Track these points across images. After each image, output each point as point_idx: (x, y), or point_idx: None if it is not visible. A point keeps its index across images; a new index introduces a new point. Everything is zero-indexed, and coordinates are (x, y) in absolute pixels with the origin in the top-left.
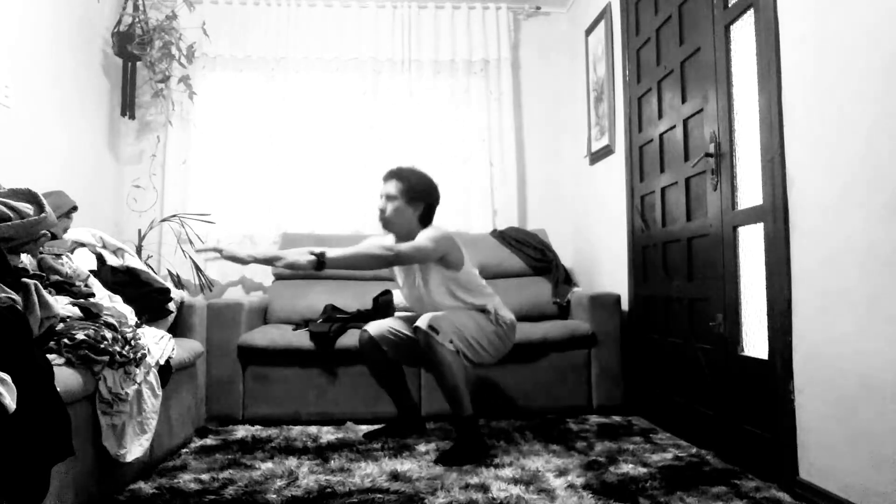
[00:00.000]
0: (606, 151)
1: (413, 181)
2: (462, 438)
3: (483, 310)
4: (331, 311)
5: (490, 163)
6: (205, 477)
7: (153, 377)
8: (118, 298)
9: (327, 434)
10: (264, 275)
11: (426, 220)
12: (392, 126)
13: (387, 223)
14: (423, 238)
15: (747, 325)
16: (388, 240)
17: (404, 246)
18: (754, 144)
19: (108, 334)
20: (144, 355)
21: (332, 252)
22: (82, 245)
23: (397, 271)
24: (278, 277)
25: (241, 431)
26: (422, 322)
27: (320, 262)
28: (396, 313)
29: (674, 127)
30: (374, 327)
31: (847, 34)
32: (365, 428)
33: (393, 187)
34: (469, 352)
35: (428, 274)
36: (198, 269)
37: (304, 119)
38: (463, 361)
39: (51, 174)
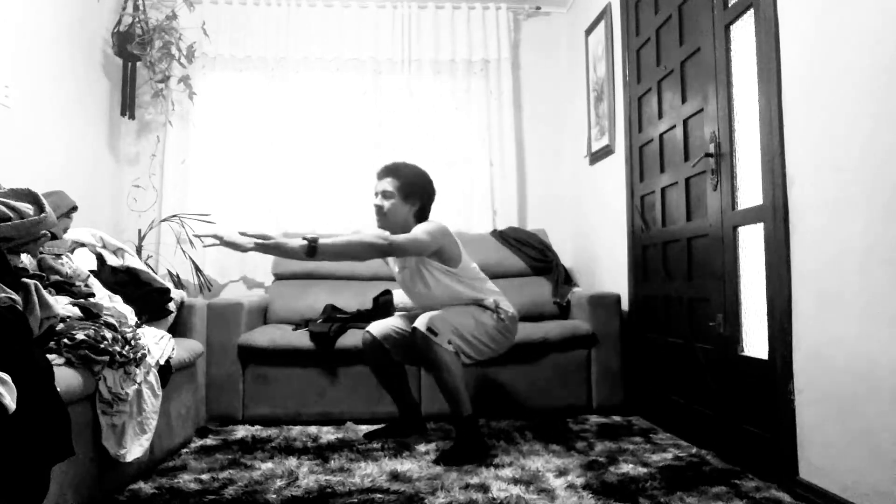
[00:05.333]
0: (606, 151)
1: (409, 178)
2: (462, 438)
3: (482, 304)
4: (331, 311)
5: (490, 163)
6: (205, 477)
7: (153, 377)
8: (118, 298)
9: (327, 434)
10: (264, 275)
11: (422, 216)
12: (392, 126)
13: (383, 221)
14: (419, 230)
15: (747, 325)
16: (384, 232)
17: (400, 237)
18: (754, 144)
19: (108, 334)
20: (144, 355)
21: (325, 239)
22: (82, 245)
23: (394, 267)
24: (278, 277)
25: (241, 431)
26: (419, 324)
27: (312, 248)
28: (396, 313)
29: (674, 127)
30: (377, 327)
31: (847, 34)
32: (365, 428)
33: (389, 184)
34: (470, 349)
35: (424, 269)
36: (197, 269)
37: (304, 119)
38: (463, 360)
39: (51, 174)
